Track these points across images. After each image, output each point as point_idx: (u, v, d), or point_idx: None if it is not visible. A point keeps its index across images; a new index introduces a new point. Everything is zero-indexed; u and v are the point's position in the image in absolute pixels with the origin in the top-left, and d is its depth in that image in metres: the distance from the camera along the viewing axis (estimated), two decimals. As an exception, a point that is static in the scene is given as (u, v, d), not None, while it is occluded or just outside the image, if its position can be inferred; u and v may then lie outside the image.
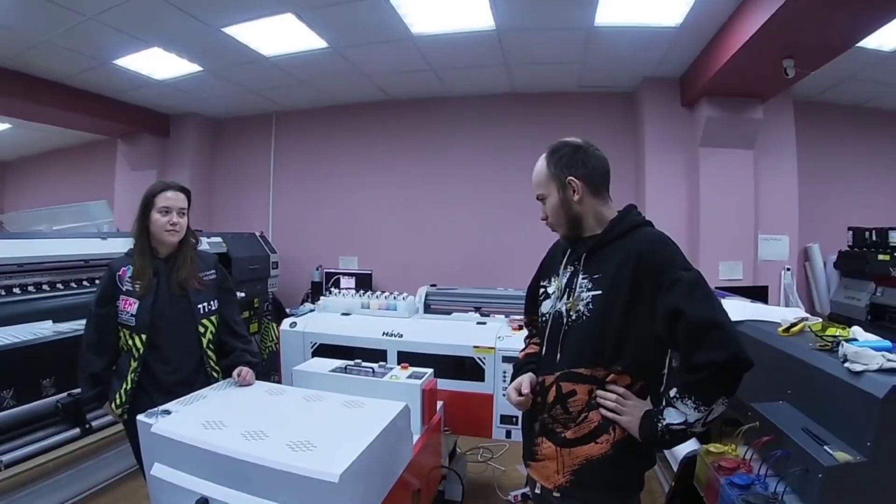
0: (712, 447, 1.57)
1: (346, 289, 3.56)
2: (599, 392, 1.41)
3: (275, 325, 4.62)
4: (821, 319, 1.87)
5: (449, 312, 3.40)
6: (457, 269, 5.36)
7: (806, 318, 1.87)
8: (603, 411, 1.41)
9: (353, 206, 5.80)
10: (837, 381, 1.42)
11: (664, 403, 1.33)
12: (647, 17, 3.68)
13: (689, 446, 2.11)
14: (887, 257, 4.25)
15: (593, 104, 5.24)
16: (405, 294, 3.37)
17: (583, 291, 1.46)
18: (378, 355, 2.77)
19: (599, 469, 1.42)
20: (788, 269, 4.69)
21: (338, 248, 5.81)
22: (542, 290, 1.66)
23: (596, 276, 1.45)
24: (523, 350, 1.77)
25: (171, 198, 2.07)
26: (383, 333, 2.91)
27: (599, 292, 1.42)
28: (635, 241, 1.43)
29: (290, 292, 5.68)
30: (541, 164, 1.55)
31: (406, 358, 2.68)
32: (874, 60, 4.15)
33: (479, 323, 3.11)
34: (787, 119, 4.82)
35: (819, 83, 4.52)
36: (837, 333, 1.69)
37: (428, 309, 3.47)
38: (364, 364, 2.34)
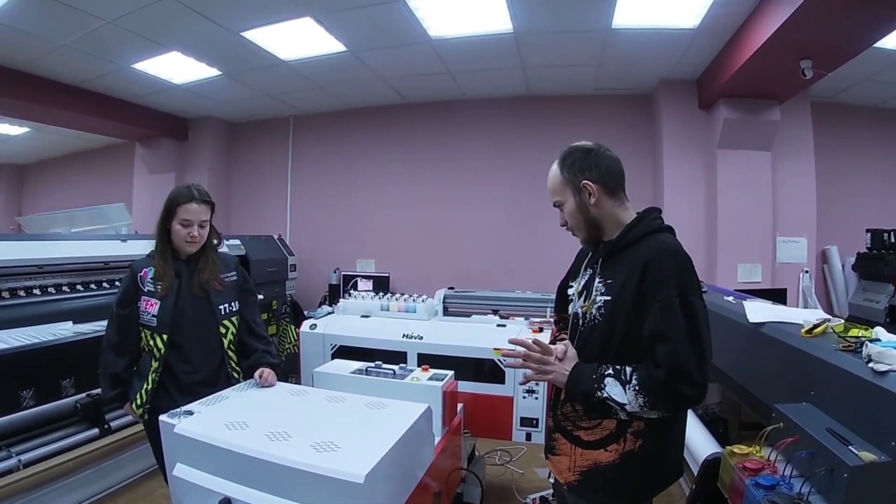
0: (736, 448, 1.57)
1: (364, 291, 3.58)
2: (520, 351, 1.52)
3: (293, 327, 4.64)
4: (842, 320, 1.86)
5: (468, 315, 3.40)
6: (474, 271, 5.37)
7: (828, 320, 1.86)
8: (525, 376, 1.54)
9: (369, 209, 5.83)
10: (861, 382, 1.42)
11: (611, 373, 1.39)
12: (664, 19, 3.67)
13: (710, 448, 2.13)
14: None
15: (609, 106, 5.23)
16: (424, 296, 3.38)
17: (598, 295, 1.49)
18: (398, 357, 2.79)
19: (606, 476, 1.45)
20: (807, 272, 4.65)
21: (355, 251, 5.84)
22: (570, 290, 1.68)
23: (609, 280, 1.47)
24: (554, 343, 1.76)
25: (193, 210, 2.07)
26: (403, 335, 2.93)
27: (609, 298, 1.45)
28: (647, 248, 1.43)
29: (307, 295, 5.71)
30: (554, 170, 1.56)
31: (426, 360, 2.69)
32: (891, 61, 4.11)
33: (498, 325, 3.12)
34: (804, 120, 4.78)
35: (836, 84, 4.49)
36: (860, 334, 1.68)
37: (446, 312, 3.49)
38: (384, 366, 2.35)
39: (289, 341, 4.79)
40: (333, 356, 2.93)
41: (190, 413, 1.72)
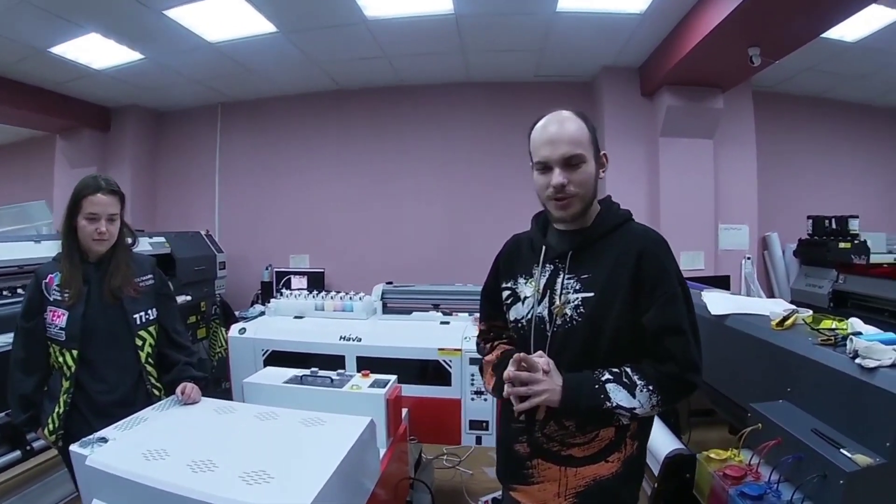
0: (713, 453, 1.45)
1: (298, 289, 3.31)
2: (508, 375, 1.26)
3: (223, 329, 4.38)
4: (811, 311, 1.79)
5: (408, 311, 3.23)
6: (413, 265, 5.17)
7: (796, 311, 1.78)
8: (508, 390, 1.27)
9: (303, 202, 5.53)
10: (848, 378, 1.32)
11: (611, 378, 1.24)
12: (610, 3, 3.58)
13: (667, 441, 2.02)
14: (848, 245, 4.35)
15: (550, 94, 5.14)
16: (361, 294, 3.16)
17: (569, 293, 1.29)
18: (336, 362, 2.58)
19: (606, 491, 1.29)
20: (749, 258, 4.73)
21: (288, 246, 5.53)
22: (507, 292, 1.46)
23: (585, 276, 1.29)
24: (492, 353, 1.52)
25: (100, 202, 1.85)
26: (340, 338, 2.69)
27: (591, 294, 1.27)
28: (631, 238, 1.31)
29: (238, 294, 5.37)
30: (578, 122, 1.31)
31: (366, 363, 2.50)
32: (835, 51, 4.21)
33: (442, 322, 2.94)
34: (746, 109, 4.86)
35: (778, 74, 4.55)
36: (834, 325, 1.60)
37: (385, 308, 3.29)
38: (321, 373, 2.14)
39: (219, 345, 4.50)
40: (265, 363, 2.67)
41: (104, 440, 1.53)
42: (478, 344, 1.66)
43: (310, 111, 5.47)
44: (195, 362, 2.07)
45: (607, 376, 1.23)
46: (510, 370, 1.26)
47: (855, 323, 1.55)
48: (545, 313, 1.33)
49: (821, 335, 1.53)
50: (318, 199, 5.48)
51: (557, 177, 1.26)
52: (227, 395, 2.71)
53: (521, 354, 1.27)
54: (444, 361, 2.61)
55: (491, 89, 5.21)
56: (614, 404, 1.21)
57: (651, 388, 1.22)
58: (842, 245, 4.39)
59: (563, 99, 5.10)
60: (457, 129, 5.29)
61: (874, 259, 4.43)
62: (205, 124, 5.79)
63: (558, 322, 1.30)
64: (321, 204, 5.47)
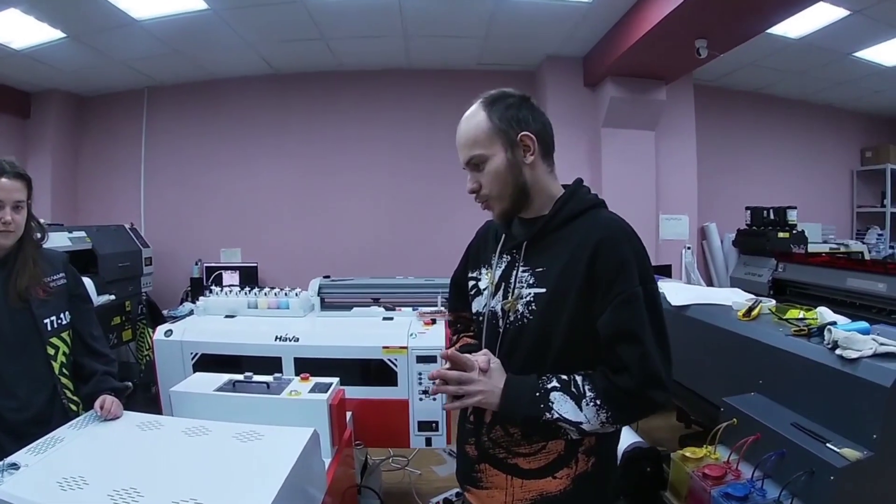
0: (688, 452, 1.37)
1: (230, 286, 3.05)
2: (433, 373, 1.15)
3: (151, 330, 4.04)
4: (774, 301, 1.76)
5: (348, 307, 3.06)
6: (352, 258, 4.97)
7: (761, 301, 1.74)
8: (446, 401, 1.17)
9: (235, 193, 5.17)
10: (828, 370, 1.28)
11: (558, 386, 1.10)
12: (559, -10, 3.51)
13: (627, 439, 1.95)
14: (787, 235, 4.52)
15: (493, 83, 4.87)
16: (298, 289, 2.94)
17: (523, 288, 1.17)
18: (271, 364, 2.33)
19: None
20: (689, 248, 4.79)
21: (219, 240, 5.15)
22: (472, 283, 1.35)
23: (539, 269, 1.17)
24: (454, 345, 1.43)
25: (4, 188, 1.63)
26: (276, 338, 2.45)
27: (543, 290, 1.15)
28: (591, 227, 1.15)
29: (166, 292, 4.99)
30: (477, 116, 1.19)
31: (304, 366, 2.29)
32: (778, 47, 4.31)
33: (385, 318, 2.78)
34: (687, 102, 4.94)
35: (720, 68, 4.63)
36: (801, 315, 1.57)
37: (323, 304, 3.08)
38: (256, 378, 1.95)
39: (147, 347, 4.15)
40: (195, 367, 2.41)
41: (15, 466, 1.34)
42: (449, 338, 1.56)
43: (243, 96, 5.13)
44: (115, 371, 1.85)
45: (554, 384, 1.10)
46: (440, 371, 1.14)
47: (824, 312, 1.51)
48: (498, 308, 1.22)
49: (792, 325, 1.49)
50: (251, 190, 5.16)
51: (468, 183, 1.22)
52: (158, 402, 2.44)
53: (450, 352, 1.16)
54: (390, 360, 2.44)
55: (433, 76, 5.06)
56: (555, 416, 1.08)
57: (599, 402, 1.07)
58: (781, 235, 4.54)
59: (505, 87, 5.03)
60: (398, 117, 5.11)
61: (812, 248, 4.66)
62: (130, 110, 5.32)
63: (510, 318, 1.19)
64: (254, 195, 5.15)
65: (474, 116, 1.20)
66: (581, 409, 1.08)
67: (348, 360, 2.43)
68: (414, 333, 2.49)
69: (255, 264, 4.85)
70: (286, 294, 2.86)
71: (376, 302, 3.88)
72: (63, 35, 3.93)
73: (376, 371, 2.46)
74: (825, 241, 5.38)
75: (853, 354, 1.22)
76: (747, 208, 5.02)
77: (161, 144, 5.22)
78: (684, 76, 4.60)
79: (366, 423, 2.40)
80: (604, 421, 1.08)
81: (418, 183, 5.09)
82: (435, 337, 2.49)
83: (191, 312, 2.86)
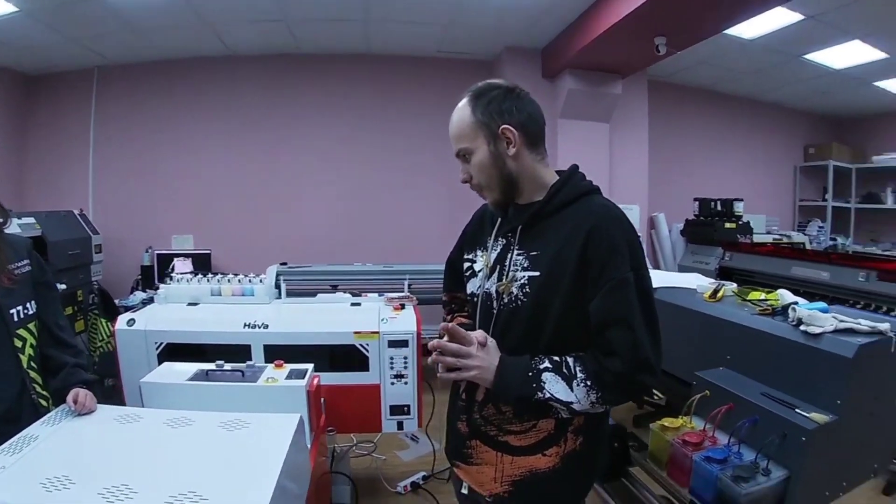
0: (667, 422, 1.45)
1: (182, 273, 2.95)
2: (433, 343, 1.18)
3: (104, 320, 3.86)
4: (735, 284, 1.88)
5: (308, 294, 3.03)
6: (308, 244, 4.88)
7: (724, 284, 1.85)
8: (440, 370, 1.19)
9: (188, 177, 4.96)
10: (793, 344, 1.39)
11: (550, 367, 1.14)
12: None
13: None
14: (734, 225, 4.79)
15: (451, 71, 5.07)
16: (262, 276, 2.88)
17: (517, 271, 1.20)
18: (240, 352, 2.31)
19: (544, 484, 1.21)
20: (639, 237, 5.01)
21: (171, 226, 4.94)
22: (467, 264, 1.38)
23: (534, 252, 1.19)
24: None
25: None
26: (245, 325, 2.42)
27: (537, 273, 1.17)
28: (585, 213, 1.18)
29: (116, 280, 4.73)
30: (463, 111, 1.22)
31: (275, 352, 2.27)
32: (732, 47, 4.49)
33: (353, 304, 2.77)
34: (641, 96, 5.10)
35: (673, 65, 4.78)
36: (763, 296, 1.69)
37: (279, 290, 3.03)
38: (228, 366, 1.89)
39: (100, 338, 3.94)
40: (161, 357, 2.32)
41: None
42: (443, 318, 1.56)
43: (198, 78, 4.90)
44: (85, 363, 1.75)
45: (546, 364, 1.14)
46: (438, 342, 1.17)
47: (785, 294, 1.63)
48: (493, 290, 1.25)
49: (755, 306, 1.60)
50: (204, 175, 4.96)
51: (461, 174, 1.28)
52: (115, 395, 2.37)
53: (450, 325, 1.17)
54: (361, 345, 2.45)
55: (392, 62, 5.02)
56: (547, 395, 1.11)
57: (590, 383, 1.11)
58: (728, 225, 4.80)
59: (463, 77, 5.01)
60: (355, 103, 5.03)
61: (757, 238, 4.93)
62: (79, 90, 4.98)
63: (504, 300, 1.21)
64: (207, 179, 4.96)
65: (461, 111, 1.23)
66: (572, 390, 1.11)
67: (319, 347, 2.42)
68: (385, 318, 2.53)
69: (208, 251, 4.69)
70: (250, 281, 2.79)
71: (335, 289, 3.87)
72: (15, 9, 3.66)
73: (347, 356, 2.46)
74: (769, 232, 5.71)
75: (816, 330, 1.34)
76: (696, 200, 5.25)
77: (111, 126, 4.94)
78: (639, 71, 4.74)
79: (337, 408, 2.39)
80: (594, 401, 1.12)
81: (376, 169, 5.06)
82: (405, 322, 2.53)
83: (143, 302, 2.75)
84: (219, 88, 4.90)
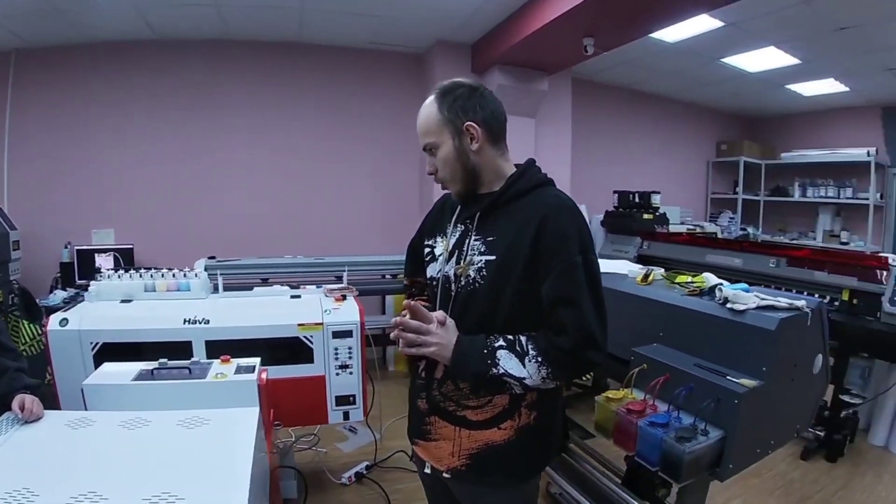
0: (611, 394, 1.58)
1: (108, 270, 2.80)
2: (395, 320, 1.26)
3: (26, 322, 3.55)
4: (663, 269, 2.04)
5: (243, 288, 3.03)
6: (236, 237, 4.73)
7: (652, 269, 2.01)
8: (401, 346, 1.26)
9: (109, 168, 4.62)
10: (721, 320, 1.55)
11: (504, 345, 1.22)
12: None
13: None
14: (652, 216, 5.08)
15: (383, 63, 5.07)
16: (197, 270, 2.81)
17: (475, 255, 1.29)
18: (181, 349, 2.26)
19: (500, 456, 1.31)
20: (588, 226, 5.23)
21: (91, 220, 4.59)
22: (427, 249, 1.47)
23: (490, 238, 1.28)
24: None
25: None
26: (185, 321, 2.36)
27: (493, 257, 1.26)
28: (539, 202, 1.27)
29: (34, 278, 4.34)
30: (430, 107, 1.30)
31: (217, 348, 2.24)
32: (654, 49, 4.73)
33: (293, 297, 2.78)
34: (565, 93, 5.29)
35: (597, 64, 4.98)
36: (689, 280, 1.85)
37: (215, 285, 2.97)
38: (172, 363, 1.85)
39: (23, 341, 3.62)
40: (97, 359, 2.21)
41: None
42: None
43: (121, 63, 4.57)
44: (26, 367, 1.66)
45: (500, 342, 1.23)
46: (400, 319, 1.25)
47: (710, 277, 1.79)
48: (451, 273, 1.33)
49: (684, 288, 1.77)
50: (126, 165, 4.65)
51: (426, 166, 1.35)
52: (45, 399, 2.18)
53: (411, 302, 1.25)
54: (305, 337, 2.47)
55: (323, 53, 4.93)
56: (501, 371, 1.20)
57: (541, 359, 1.20)
58: (646, 216, 5.09)
59: (394, 69, 5.12)
60: (285, 92, 4.91)
61: (672, 228, 5.27)
62: None
63: (462, 283, 1.30)
64: (129, 170, 4.65)
65: (428, 107, 1.31)
66: (524, 366, 1.20)
67: (262, 340, 2.41)
68: (328, 310, 2.55)
69: (130, 246, 4.42)
70: (185, 275, 2.71)
71: (265, 282, 3.81)
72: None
73: (291, 349, 2.47)
74: (683, 223, 6.13)
75: (741, 307, 1.50)
76: (615, 192, 5.51)
77: (29, 114, 4.50)
78: (565, 70, 4.92)
79: (283, 402, 2.37)
80: (544, 377, 1.21)
81: (305, 160, 4.97)
82: (349, 312, 2.57)
83: (65, 301, 2.59)
84: (144, 74, 4.61)
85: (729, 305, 1.53)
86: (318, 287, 2.91)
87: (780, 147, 7.33)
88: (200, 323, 2.36)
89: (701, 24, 4.06)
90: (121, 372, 1.80)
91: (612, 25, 3.60)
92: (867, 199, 6.25)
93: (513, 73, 4.62)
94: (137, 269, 2.71)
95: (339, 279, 3.93)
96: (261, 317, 2.47)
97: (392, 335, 1.27)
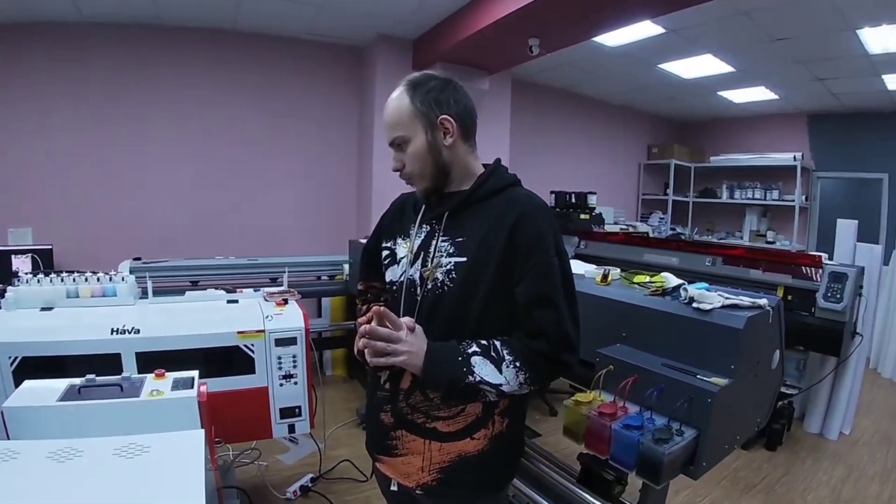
0: (580, 397, 1.54)
1: (25, 274, 2.50)
2: (364, 328, 1.17)
3: None
4: (619, 269, 2.05)
5: (176, 291, 2.80)
6: (163, 237, 4.44)
7: (609, 269, 2.01)
8: (369, 355, 1.18)
9: (25, 162, 4.17)
10: (687, 320, 1.55)
11: (478, 351, 1.17)
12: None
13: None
14: (588, 216, 5.21)
15: (320, 55, 4.90)
16: (122, 274, 2.56)
17: (442, 257, 1.23)
18: (109, 363, 2.05)
19: (474, 467, 1.25)
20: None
21: (5, 218, 4.14)
22: (385, 252, 1.38)
23: (459, 238, 1.23)
24: (365, 314, 1.37)
25: None
26: (112, 331, 2.13)
27: (463, 259, 1.20)
28: (511, 202, 1.23)
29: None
30: (401, 99, 1.24)
31: (149, 360, 2.07)
32: (594, 53, 4.83)
33: (230, 302, 2.60)
34: (505, 93, 5.30)
35: (536, 65, 4.99)
36: (647, 279, 1.86)
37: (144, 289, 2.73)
38: (103, 380, 1.66)
39: None
40: (16, 375, 1.97)
41: None
42: (357, 307, 1.55)
43: (41, 46, 4.13)
44: None
45: (474, 348, 1.17)
46: (368, 324, 1.16)
47: (669, 277, 1.80)
48: (416, 276, 1.26)
49: (644, 287, 1.77)
50: (45, 159, 4.22)
51: (393, 162, 1.28)
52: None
53: (381, 308, 1.16)
54: (246, 346, 2.30)
55: (259, 43, 4.69)
56: (477, 379, 1.15)
57: (518, 364, 1.16)
58: (582, 216, 5.21)
59: (333, 61, 4.98)
60: (217, 84, 4.63)
61: (607, 228, 5.40)
62: None
63: (429, 286, 1.23)
64: (48, 164, 4.23)
65: (398, 99, 1.24)
66: (501, 372, 1.16)
67: (198, 350, 2.22)
68: (269, 315, 2.40)
69: (49, 246, 4.01)
70: (111, 279, 2.48)
71: (195, 285, 3.59)
72: None
73: (230, 359, 2.29)
74: (616, 223, 6.31)
75: (707, 307, 1.51)
76: (552, 192, 5.60)
77: None
78: (505, 70, 4.93)
79: (224, 416, 2.17)
80: (522, 382, 1.17)
81: (237, 156, 4.73)
82: (292, 318, 2.43)
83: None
84: (66, 59, 4.18)
85: (695, 305, 1.54)
86: (255, 290, 2.76)
87: (709, 151, 7.72)
88: (130, 333, 2.15)
89: (643, 29, 4.17)
90: (46, 391, 1.59)
91: (558, 27, 3.62)
92: (793, 201, 6.66)
93: (454, 70, 4.56)
94: (59, 273, 2.44)
95: (274, 281, 3.78)
96: (196, 324, 2.28)
97: (360, 344, 1.17)
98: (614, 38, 4.40)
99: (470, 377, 1.14)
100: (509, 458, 1.33)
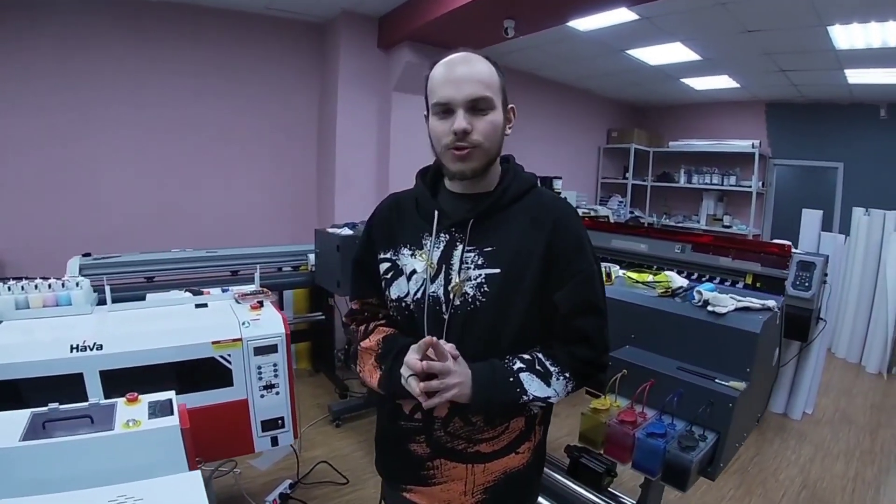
0: (597, 404, 1.52)
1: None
2: (422, 365, 1.03)
3: None
4: (618, 266, 2.01)
5: (135, 292, 2.65)
6: (111, 230, 4.12)
7: (610, 267, 1.97)
8: (422, 386, 1.04)
9: None
10: (703, 323, 1.53)
11: (523, 367, 1.10)
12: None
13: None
14: None
15: (280, 31, 4.64)
16: (77, 279, 2.31)
17: (471, 269, 1.11)
18: (69, 384, 1.83)
19: (516, 481, 1.20)
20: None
21: None
22: (386, 265, 1.22)
23: (488, 248, 1.11)
24: (368, 337, 1.25)
25: None
26: (72, 348, 1.90)
27: (497, 270, 1.10)
28: (541, 206, 1.15)
29: None
30: (489, 66, 1.13)
31: (114, 378, 1.87)
32: (564, 37, 4.75)
33: (198, 306, 2.40)
34: (473, 75, 5.18)
35: (503, 47, 4.80)
36: (650, 278, 1.83)
37: (95, 290, 2.48)
38: (67, 409, 1.44)
39: None
40: (-35, 402, 1.72)
41: None
42: (346, 325, 1.37)
43: None
44: None
45: (519, 365, 1.10)
46: (416, 359, 1.03)
47: (673, 276, 1.78)
48: (440, 292, 1.13)
49: (649, 287, 1.74)
50: None
51: (461, 121, 1.06)
52: None
53: (433, 339, 1.03)
54: (222, 357, 2.12)
55: (214, 17, 4.36)
56: (531, 397, 1.08)
57: (567, 374, 1.12)
58: (548, 201, 5.18)
59: (294, 39, 4.72)
60: (170, 63, 4.28)
61: (572, 212, 5.40)
62: None
63: (457, 303, 1.11)
64: None
65: (486, 63, 1.13)
66: (549, 385, 1.10)
67: (170, 365, 2.02)
68: (246, 322, 2.21)
69: (-9, 248, 3.64)
70: (64, 285, 2.23)
71: (150, 281, 3.36)
72: None
73: (205, 372, 2.11)
74: (578, 207, 6.34)
75: (722, 310, 1.49)
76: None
77: None
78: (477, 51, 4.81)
79: (202, 433, 1.93)
80: (568, 391, 1.14)
81: (189, 141, 4.42)
82: (270, 323, 2.25)
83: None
84: (3, 39, 3.71)
85: (710, 308, 1.51)
86: (224, 290, 2.57)
87: (668, 136, 7.86)
88: (92, 349, 1.92)
89: (618, 15, 4.14)
90: (6, 426, 1.36)
91: (534, 9, 3.53)
92: (750, 187, 6.86)
93: (423, 50, 4.43)
94: (5, 281, 2.17)
95: (235, 274, 3.58)
96: (165, 336, 2.06)
97: (420, 387, 1.03)
98: (587, 22, 4.35)
99: (525, 396, 1.08)
100: (542, 465, 1.30)
